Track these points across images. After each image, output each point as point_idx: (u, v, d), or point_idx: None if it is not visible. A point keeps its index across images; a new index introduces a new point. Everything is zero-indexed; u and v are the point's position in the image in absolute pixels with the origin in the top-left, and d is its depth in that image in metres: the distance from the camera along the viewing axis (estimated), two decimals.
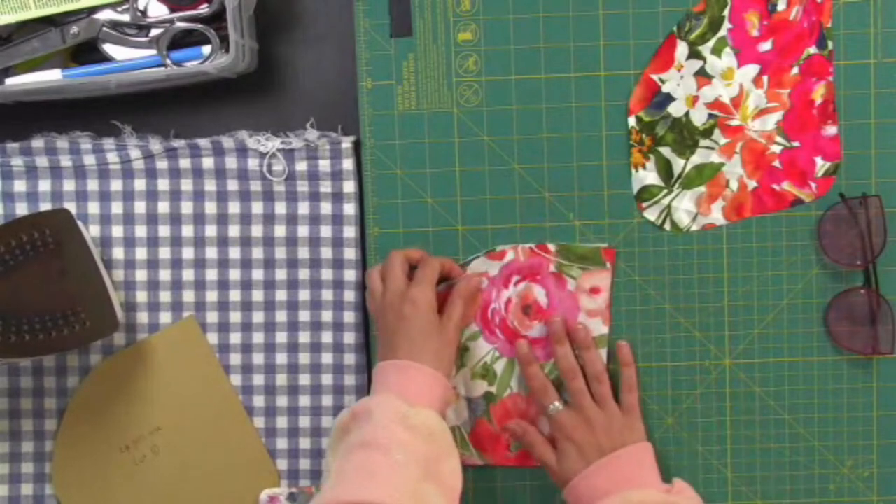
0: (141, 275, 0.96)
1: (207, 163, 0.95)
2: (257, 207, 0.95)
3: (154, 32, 0.91)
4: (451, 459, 0.84)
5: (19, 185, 0.95)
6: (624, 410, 0.90)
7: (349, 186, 0.95)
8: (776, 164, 0.93)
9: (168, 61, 0.90)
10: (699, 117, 0.93)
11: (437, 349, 0.88)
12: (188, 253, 0.96)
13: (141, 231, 0.96)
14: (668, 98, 0.93)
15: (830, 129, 0.93)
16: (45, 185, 0.95)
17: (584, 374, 0.91)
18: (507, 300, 0.94)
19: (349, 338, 0.96)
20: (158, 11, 0.91)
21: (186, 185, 0.95)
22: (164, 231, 0.96)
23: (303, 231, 0.95)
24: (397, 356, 0.86)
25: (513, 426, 0.93)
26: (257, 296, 0.96)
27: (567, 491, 0.88)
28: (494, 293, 0.94)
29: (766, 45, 0.92)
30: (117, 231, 0.96)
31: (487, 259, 0.94)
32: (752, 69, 0.92)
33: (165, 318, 0.96)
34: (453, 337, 0.90)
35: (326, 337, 0.96)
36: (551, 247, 0.94)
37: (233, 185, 0.95)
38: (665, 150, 0.94)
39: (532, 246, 0.94)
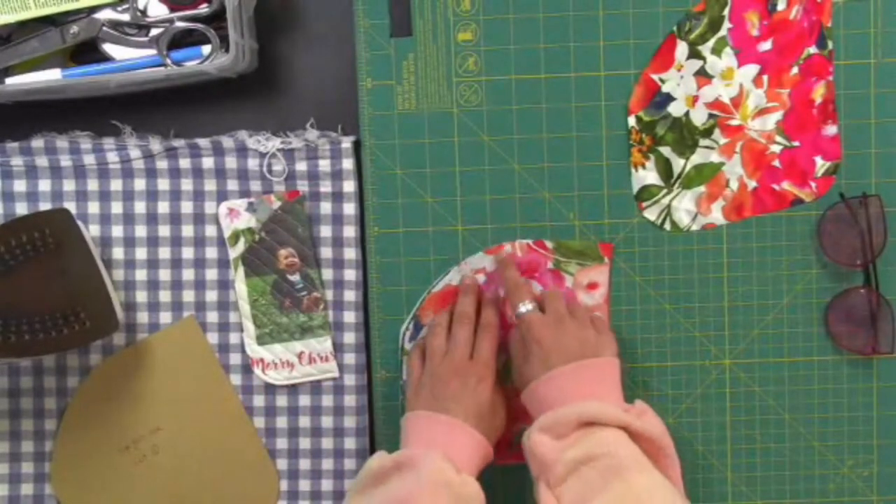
0: (141, 275, 0.96)
1: (207, 163, 0.95)
2: None
3: (154, 32, 0.91)
4: None
5: (19, 185, 0.95)
6: (596, 328, 0.88)
7: (349, 186, 0.95)
8: (776, 163, 0.93)
9: (168, 61, 0.90)
10: (699, 117, 0.93)
11: (486, 415, 0.87)
12: (188, 253, 0.96)
13: (141, 231, 0.96)
14: (668, 98, 0.93)
15: (830, 129, 0.93)
16: (45, 185, 0.95)
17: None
18: (504, 295, 0.94)
19: (349, 338, 0.96)
20: (158, 11, 0.91)
21: (186, 184, 0.95)
22: (164, 231, 0.96)
23: None
24: (447, 412, 0.85)
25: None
26: None
27: (525, 395, 0.87)
28: (493, 289, 0.94)
29: (766, 45, 0.92)
30: (117, 231, 0.96)
31: (485, 255, 0.94)
32: (752, 69, 0.92)
33: (165, 318, 0.96)
34: (501, 401, 0.90)
35: None
36: (549, 244, 0.94)
37: (233, 185, 0.95)
38: (665, 150, 0.94)
39: (529, 242, 0.94)
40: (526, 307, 0.88)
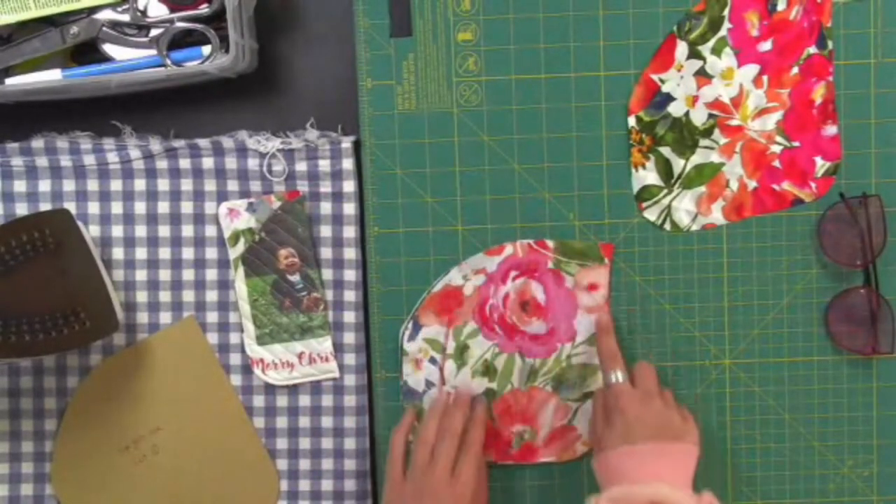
0: (141, 275, 0.96)
1: (207, 163, 0.95)
2: None
3: (154, 32, 0.91)
4: None
5: (19, 185, 0.95)
6: (681, 413, 0.89)
7: (349, 186, 0.95)
8: (776, 164, 0.93)
9: (168, 61, 0.90)
10: (699, 117, 0.93)
11: None
12: (188, 253, 0.96)
13: (141, 231, 0.96)
14: (668, 98, 0.93)
15: (830, 129, 0.93)
16: (45, 185, 0.95)
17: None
18: (504, 296, 0.94)
19: (349, 338, 0.96)
20: (158, 11, 0.91)
21: (186, 184, 0.95)
22: (164, 231, 0.96)
23: None
24: None
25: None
26: None
27: (598, 460, 0.87)
28: (492, 289, 0.94)
29: (766, 45, 0.92)
30: (117, 231, 0.96)
31: (486, 256, 0.94)
32: (752, 69, 0.92)
33: (165, 318, 0.96)
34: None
35: None
36: (550, 243, 0.94)
37: (233, 185, 0.95)
38: (665, 150, 0.94)
39: (531, 242, 0.94)
40: (616, 377, 0.89)
